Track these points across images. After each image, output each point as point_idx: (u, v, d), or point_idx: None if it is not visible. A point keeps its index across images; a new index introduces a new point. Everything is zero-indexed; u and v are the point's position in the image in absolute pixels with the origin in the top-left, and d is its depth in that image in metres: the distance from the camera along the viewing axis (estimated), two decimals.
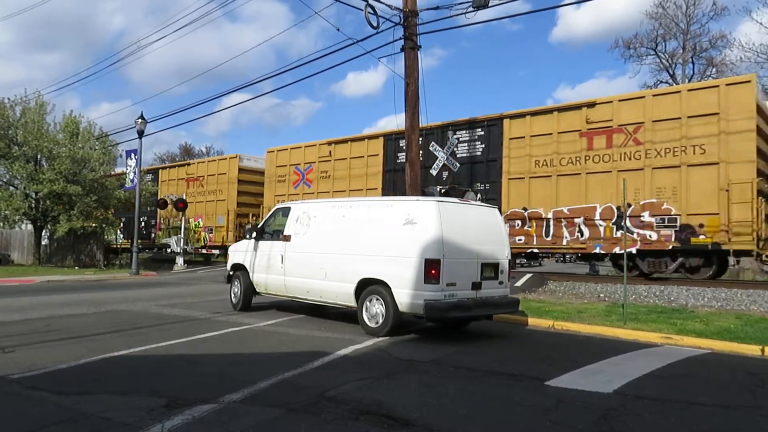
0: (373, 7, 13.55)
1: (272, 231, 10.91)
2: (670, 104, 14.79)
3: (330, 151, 22.08)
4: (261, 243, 10.93)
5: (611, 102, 15.73)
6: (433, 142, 18.94)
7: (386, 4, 13.74)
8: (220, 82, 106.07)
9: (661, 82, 35.28)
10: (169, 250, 28.03)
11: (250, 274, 11.04)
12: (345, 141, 21.92)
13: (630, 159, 15.17)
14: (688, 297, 12.89)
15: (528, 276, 16.50)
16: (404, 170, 14.78)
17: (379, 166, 20.43)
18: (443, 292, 8.09)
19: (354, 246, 9.10)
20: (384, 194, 19.57)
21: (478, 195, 16.97)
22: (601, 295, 13.89)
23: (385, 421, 4.56)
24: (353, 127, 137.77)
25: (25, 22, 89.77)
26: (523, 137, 17.00)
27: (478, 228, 8.94)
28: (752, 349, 7.90)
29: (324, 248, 9.57)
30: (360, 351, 7.51)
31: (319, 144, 22.76)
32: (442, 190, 15.72)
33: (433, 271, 8.01)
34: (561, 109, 16.73)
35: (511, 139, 17.27)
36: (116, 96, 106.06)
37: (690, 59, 34.71)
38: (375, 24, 13.68)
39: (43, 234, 27.10)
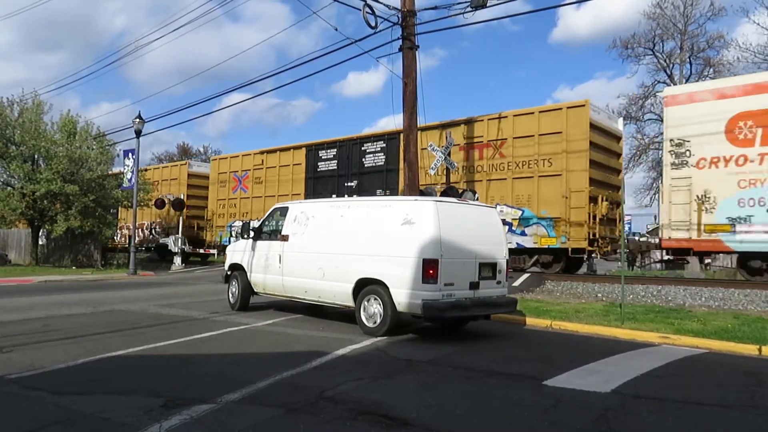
0: (371, 7, 13.55)
1: (270, 231, 10.90)
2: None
3: (262, 160, 24.53)
4: (259, 243, 10.92)
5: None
6: None
7: (384, 4, 13.74)
8: (220, 83, 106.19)
9: (659, 82, 35.35)
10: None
11: (248, 274, 11.03)
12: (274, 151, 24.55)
13: None
14: (686, 297, 12.92)
15: (526, 276, 16.51)
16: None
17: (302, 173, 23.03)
18: (441, 292, 8.09)
19: (352, 246, 9.09)
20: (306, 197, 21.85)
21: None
22: (599, 294, 13.90)
23: (383, 421, 4.56)
24: (353, 127, 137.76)
25: (27, 22, 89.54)
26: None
27: (476, 228, 8.94)
28: (749, 349, 7.93)
29: (322, 248, 9.56)
30: (358, 351, 7.51)
31: (253, 153, 25.39)
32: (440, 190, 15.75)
33: (431, 271, 8.02)
34: None
35: None
36: (117, 96, 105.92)
37: (687, 59, 34.75)
38: (373, 24, 13.68)
39: (40, 234, 27.02)
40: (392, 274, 8.38)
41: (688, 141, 14.25)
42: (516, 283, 14.84)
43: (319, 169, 22.02)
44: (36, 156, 24.96)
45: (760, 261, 13.94)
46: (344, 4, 14.36)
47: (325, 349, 7.40)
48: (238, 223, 22.51)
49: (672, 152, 14.52)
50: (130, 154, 23.30)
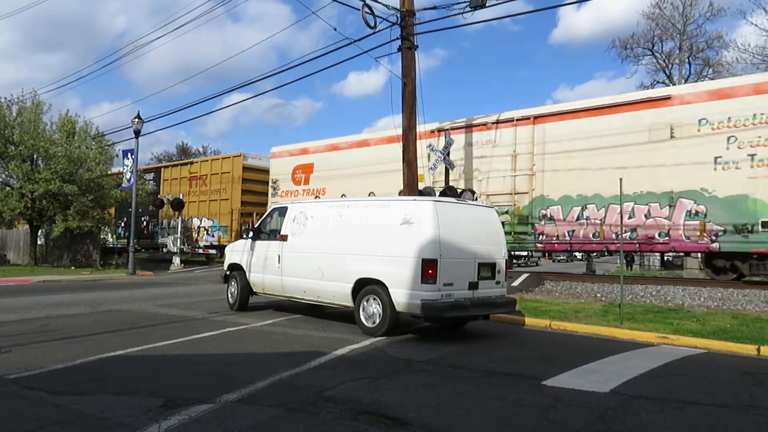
0: (370, 7, 13.54)
1: (269, 231, 10.90)
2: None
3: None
4: (258, 243, 10.91)
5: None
6: None
7: (384, 4, 13.74)
8: (221, 83, 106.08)
9: (658, 82, 35.30)
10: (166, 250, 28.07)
11: (247, 274, 11.03)
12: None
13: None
14: (685, 297, 12.93)
15: (525, 276, 16.54)
16: None
17: None
18: (440, 292, 8.09)
19: (351, 246, 9.09)
20: None
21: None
22: (598, 294, 13.92)
23: (382, 421, 4.56)
24: (353, 127, 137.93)
25: (29, 22, 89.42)
26: None
27: (475, 228, 8.95)
28: (748, 349, 7.94)
29: (321, 248, 9.56)
30: (357, 351, 7.51)
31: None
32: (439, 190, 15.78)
33: (430, 271, 8.02)
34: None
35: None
36: (118, 96, 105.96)
37: (687, 60, 34.75)
38: (372, 24, 13.67)
39: (39, 234, 26.99)
40: (391, 274, 8.38)
41: (278, 180, 23.61)
42: (515, 283, 14.85)
43: None
44: (35, 156, 24.94)
45: None
46: (344, 5, 14.37)
47: (324, 349, 7.40)
48: None
49: (272, 186, 23.82)
50: (129, 154, 23.29)
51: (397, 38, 13.86)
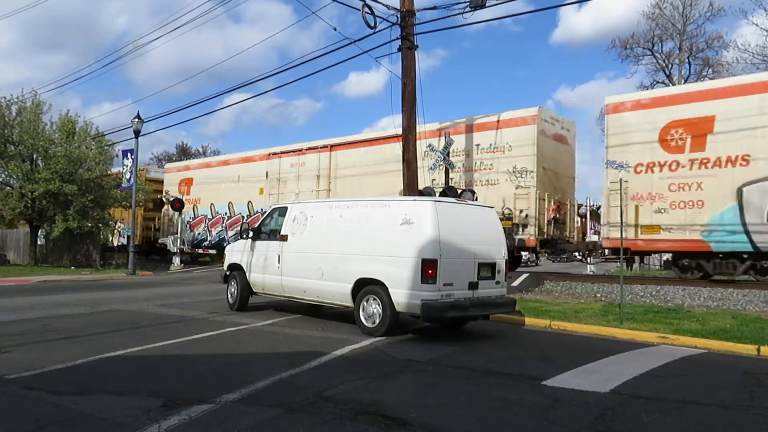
0: (370, 7, 13.55)
1: (269, 231, 10.89)
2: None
3: None
4: (258, 243, 10.91)
5: None
6: None
7: (384, 4, 13.75)
8: (221, 83, 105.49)
9: (658, 82, 35.32)
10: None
11: (247, 274, 11.03)
12: None
13: None
14: (684, 297, 12.93)
15: (525, 276, 16.53)
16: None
17: None
18: (440, 292, 8.09)
19: (351, 246, 9.09)
20: None
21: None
22: (598, 294, 13.92)
23: (382, 421, 4.56)
24: (354, 127, 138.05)
25: (30, 22, 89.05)
26: None
27: (475, 228, 8.95)
28: (748, 349, 7.93)
29: (321, 248, 9.56)
30: (357, 351, 7.51)
31: None
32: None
33: (430, 271, 8.02)
34: None
35: None
36: (119, 96, 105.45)
37: (686, 60, 34.75)
38: (372, 24, 13.68)
39: (39, 234, 26.98)
40: (391, 274, 8.38)
41: (169, 191, 28.16)
42: (515, 283, 14.85)
43: None
44: (34, 156, 24.91)
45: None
46: (344, 5, 14.37)
47: (324, 349, 7.40)
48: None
49: (164, 198, 27.65)
50: (129, 154, 23.26)
51: (397, 38, 13.87)
